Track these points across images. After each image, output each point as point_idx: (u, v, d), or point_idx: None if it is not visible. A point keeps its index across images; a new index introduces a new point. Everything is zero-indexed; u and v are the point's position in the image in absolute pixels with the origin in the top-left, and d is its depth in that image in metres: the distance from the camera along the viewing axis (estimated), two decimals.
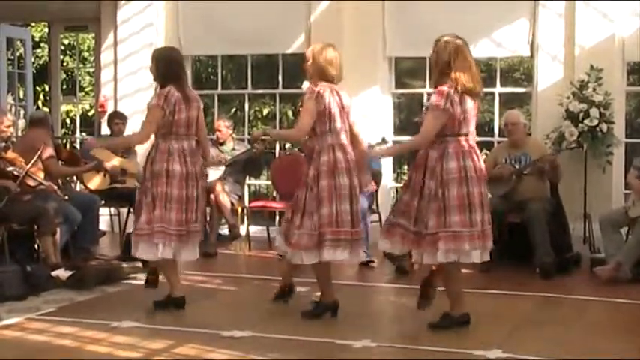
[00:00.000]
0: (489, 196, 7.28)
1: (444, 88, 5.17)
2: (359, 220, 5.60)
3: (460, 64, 5.19)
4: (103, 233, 8.38)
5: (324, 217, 5.43)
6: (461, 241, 5.12)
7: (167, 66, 5.84)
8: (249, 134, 10.03)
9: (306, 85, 6.09)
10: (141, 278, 6.79)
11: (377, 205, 8.21)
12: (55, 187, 7.24)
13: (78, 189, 8.86)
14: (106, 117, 9.29)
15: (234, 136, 9.07)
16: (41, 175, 7.17)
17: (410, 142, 5.21)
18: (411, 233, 5.24)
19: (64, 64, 13.39)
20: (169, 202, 5.67)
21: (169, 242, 5.66)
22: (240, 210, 8.78)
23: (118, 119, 8.67)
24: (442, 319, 5.29)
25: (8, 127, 7.35)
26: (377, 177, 8.00)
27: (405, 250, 5.37)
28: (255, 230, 9.12)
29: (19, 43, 11.65)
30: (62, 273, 6.49)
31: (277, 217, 9.53)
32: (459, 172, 5.13)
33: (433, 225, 5.13)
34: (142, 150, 8.46)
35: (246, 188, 9.42)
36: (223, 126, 8.86)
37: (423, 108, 5.47)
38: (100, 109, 9.99)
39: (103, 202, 8.10)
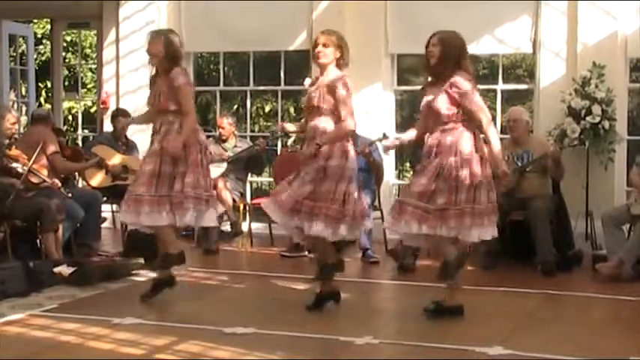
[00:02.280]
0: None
1: (466, 74, 5.39)
2: (337, 199, 5.53)
3: (467, 55, 5.46)
4: (104, 220, 8.37)
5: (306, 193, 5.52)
6: (464, 217, 5.29)
7: (177, 48, 5.96)
8: (251, 131, 10.03)
9: (308, 81, 6.07)
10: (143, 275, 6.81)
11: (379, 202, 8.20)
12: (59, 184, 7.24)
13: (80, 186, 8.87)
14: (109, 113, 9.30)
15: (236, 132, 9.07)
16: (44, 172, 7.18)
17: (492, 132, 5.41)
18: (420, 210, 5.30)
19: (67, 60, 13.40)
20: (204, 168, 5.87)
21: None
22: (242, 207, 8.79)
23: (122, 117, 8.66)
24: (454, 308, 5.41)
25: (13, 124, 7.35)
26: (378, 170, 7.98)
27: (419, 229, 5.33)
28: (257, 227, 9.11)
29: (21, 39, 11.65)
30: (64, 269, 6.49)
31: None
32: (472, 153, 5.31)
33: (443, 202, 5.28)
34: (143, 147, 8.49)
35: (248, 185, 9.43)
36: (226, 123, 8.86)
37: (443, 97, 5.41)
38: (102, 106, 10.01)
39: (105, 198, 8.10)
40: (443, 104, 5.36)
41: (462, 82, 5.34)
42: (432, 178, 5.31)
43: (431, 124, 5.44)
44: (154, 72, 6.08)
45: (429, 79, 5.59)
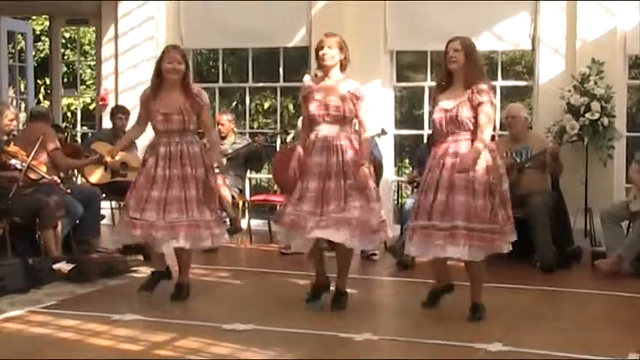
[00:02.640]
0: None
1: (489, 83, 5.46)
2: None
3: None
4: (103, 217, 8.37)
5: None
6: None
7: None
8: (250, 128, 10.01)
9: (307, 78, 6.07)
10: (142, 271, 6.82)
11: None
12: (58, 180, 7.24)
13: (79, 182, 8.86)
14: (108, 110, 9.30)
15: (235, 129, 9.07)
16: (43, 169, 7.18)
17: (482, 142, 5.29)
18: (487, 233, 5.27)
19: (65, 57, 13.38)
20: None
21: None
22: (241, 203, 8.78)
23: (121, 113, 8.67)
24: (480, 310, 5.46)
25: (11, 120, 7.34)
26: (378, 168, 7.96)
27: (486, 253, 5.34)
28: (257, 224, 9.13)
29: (19, 36, 11.64)
30: (64, 266, 6.50)
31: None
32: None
33: (500, 219, 5.31)
34: (142, 144, 8.49)
35: (247, 182, 9.43)
36: (225, 119, 8.85)
37: (468, 104, 5.37)
38: (101, 103, 10.00)
39: (104, 195, 8.10)
40: (468, 112, 5.31)
41: (489, 92, 5.34)
42: (487, 197, 5.26)
43: (448, 129, 5.35)
44: (155, 84, 5.92)
45: (437, 83, 5.57)
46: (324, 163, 5.49)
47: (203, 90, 6.04)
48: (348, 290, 5.76)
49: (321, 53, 5.57)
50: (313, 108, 5.56)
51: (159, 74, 5.88)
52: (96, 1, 9.91)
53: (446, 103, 5.36)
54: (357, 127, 5.68)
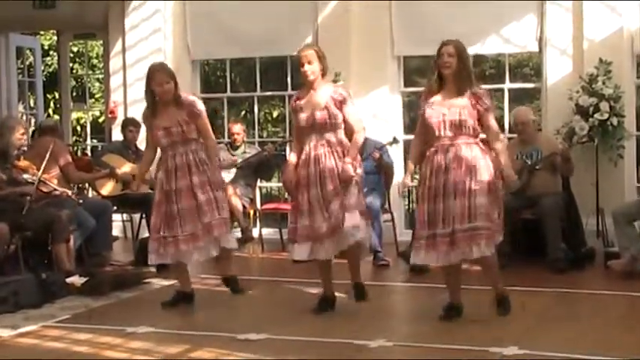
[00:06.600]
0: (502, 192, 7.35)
1: (482, 87, 5.53)
2: None
3: None
4: (116, 238, 8.40)
5: None
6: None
7: None
8: (259, 137, 10.01)
9: None
10: (155, 283, 6.82)
11: (389, 205, 8.19)
12: (70, 192, 7.26)
13: (90, 195, 8.88)
14: (117, 123, 9.32)
15: (245, 139, 9.09)
16: (54, 182, 7.21)
17: (503, 146, 5.54)
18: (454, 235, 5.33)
19: (74, 71, 13.46)
20: None
21: None
22: (252, 212, 8.79)
23: (131, 126, 8.68)
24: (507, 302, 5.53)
25: (23, 134, 7.37)
26: (389, 171, 7.95)
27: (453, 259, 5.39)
28: (268, 232, 9.13)
29: (28, 51, 11.71)
30: (77, 280, 6.51)
31: (289, 219, 9.52)
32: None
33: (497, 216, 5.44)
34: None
35: (257, 191, 9.43)
36: (240, 129, 8.91)
37: (469, 109, 5.40)
38: (110, 116, 10.04)
39: (115, 207, 8.11)
40: (470, 117, 5.35)
41: (487, 96, 5.42)
42: (487, 196, 5.34)
43: (450, 134, 5.36)
44: (151, 103, 6.05)
45: (428, 87, 5.58)
46: (316, 171, 5.62)
47: (197, 99, 6.19)
48: None
49: (302, 70, 5.65)
50: (301, 120, 5.68)
51: (151, 94, 6.03)
52: (104, 1, 9.92)
53: (442, 106, 5.40)
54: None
